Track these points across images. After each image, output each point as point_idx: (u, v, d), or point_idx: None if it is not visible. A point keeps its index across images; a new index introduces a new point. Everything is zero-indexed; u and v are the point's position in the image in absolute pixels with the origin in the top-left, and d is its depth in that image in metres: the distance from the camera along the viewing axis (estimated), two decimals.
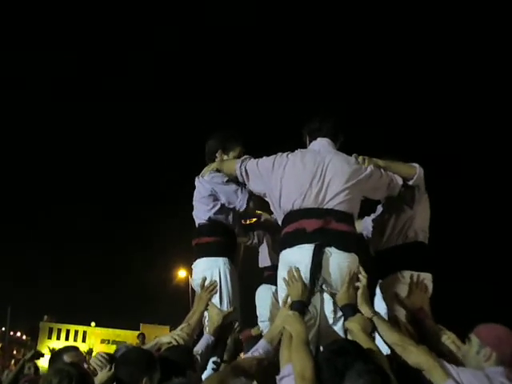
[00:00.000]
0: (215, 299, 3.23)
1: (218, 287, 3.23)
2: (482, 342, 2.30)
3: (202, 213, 3.40)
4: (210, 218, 3.36)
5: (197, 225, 3.45)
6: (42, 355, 5.57)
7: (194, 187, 3.45)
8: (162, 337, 3.13)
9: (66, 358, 2.82)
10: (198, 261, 3.39)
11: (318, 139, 3.02)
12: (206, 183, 3.33)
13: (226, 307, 3.22)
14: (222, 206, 3.32)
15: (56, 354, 2.96)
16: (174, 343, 2.95)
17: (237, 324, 3.28)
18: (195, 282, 3.37)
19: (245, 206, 3.24)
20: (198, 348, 2.98)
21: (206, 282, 3.25)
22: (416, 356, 2.28)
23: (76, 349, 3.05)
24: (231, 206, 3.31)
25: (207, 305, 3.23)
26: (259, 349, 2.63)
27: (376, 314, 2.62)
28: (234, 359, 3.12)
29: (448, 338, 2.71)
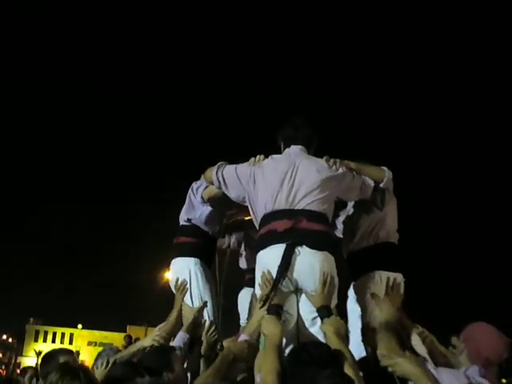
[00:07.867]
0: (187, 299, 3.32)
1: (189, 286, 3.31)
2: (462, 338, 2.41)
3: (184, 214, 3.53)
4: (188, 219, 3.49)
5: (180, 224, 3.57)
6: None
7: (181, 189, 3.64)
8: (144, 341, 3.18)
9: (62, 360, 2.82)
10: (173, 260, 3.50)
11: (292, 147, 3.07)
12: (192, 188, 3.49)
13: (197, 305, 3.30)
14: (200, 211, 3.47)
15: (50, 356, 2.96)
16: (156, 345, 2.99)
17: (209, 322, 3.29)
18: (171, 282, 3.50)
19: (203, 219, 3.43)
20: (175, 345, 3.01)
21: (179, 283, 3.35)
22: (403, 366, 2.20)
23: (70, 351, 3.09)
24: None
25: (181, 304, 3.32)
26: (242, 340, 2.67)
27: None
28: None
29: (426, 338, 2.74)
